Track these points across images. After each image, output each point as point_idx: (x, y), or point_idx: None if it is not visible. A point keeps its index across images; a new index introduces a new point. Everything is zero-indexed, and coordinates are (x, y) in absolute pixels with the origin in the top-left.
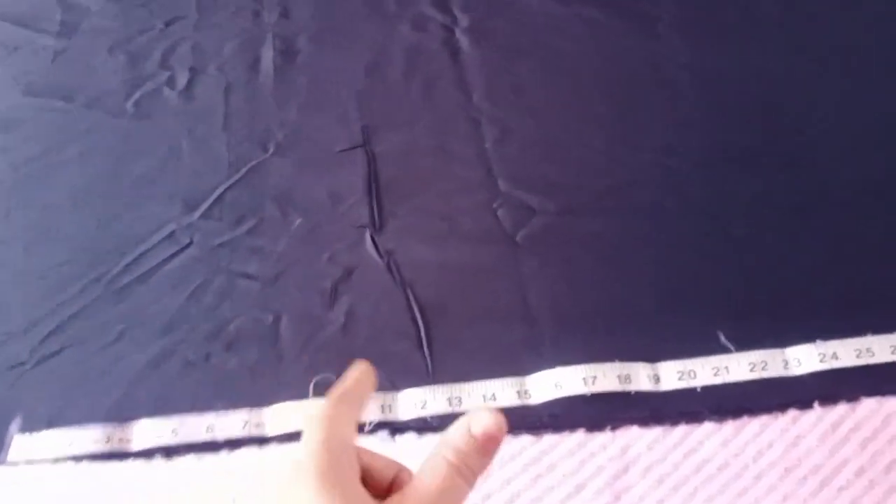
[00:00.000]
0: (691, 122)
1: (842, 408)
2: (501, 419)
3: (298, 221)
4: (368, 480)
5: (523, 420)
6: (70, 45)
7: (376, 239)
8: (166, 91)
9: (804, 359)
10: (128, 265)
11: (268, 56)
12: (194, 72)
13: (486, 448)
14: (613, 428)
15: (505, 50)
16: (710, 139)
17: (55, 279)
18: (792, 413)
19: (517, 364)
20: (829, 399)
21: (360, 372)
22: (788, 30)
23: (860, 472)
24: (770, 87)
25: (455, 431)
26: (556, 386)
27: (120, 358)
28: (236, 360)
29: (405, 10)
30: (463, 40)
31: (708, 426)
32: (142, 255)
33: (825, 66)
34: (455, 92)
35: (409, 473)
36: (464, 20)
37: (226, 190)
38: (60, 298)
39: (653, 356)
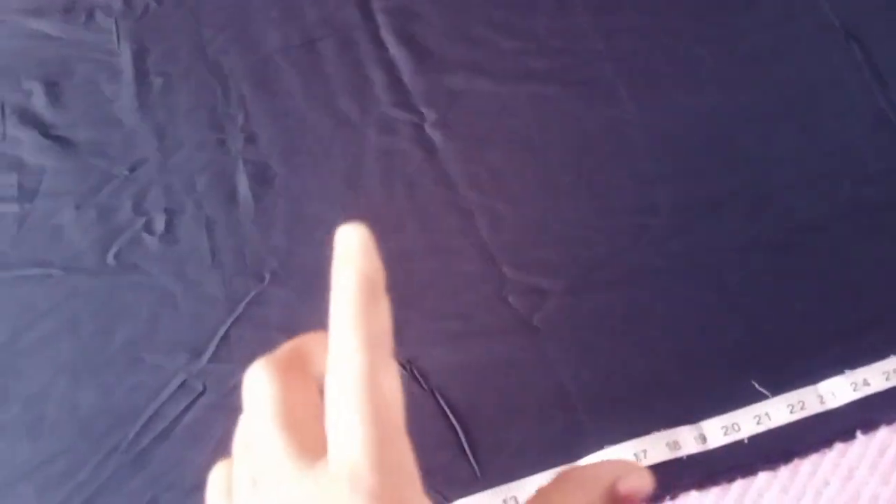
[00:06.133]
0: (658, 177)
1: (883, 432)
2: (650, 485)
3: None
4: None
5: None
6: (33, 208)
7: (394, 350)
8: (146, 237)
9: (837, 391)
10: (143, 427)
11: (243, 184)
12: (171, 213)
13: None
14: (672, 497)
15: (474, 139)
16: (680, 192)
17: (68, 461)
18: (839, 446)
19: (564, 451)
20: (869, 426)
21: (362, 261)
22: (728, 73)
23: None
24: (726, 131)
25: (594, 479)
26: None
27: None
28: None
29: (369, 115)
30: (434, 135)
31: (763, 477)
32: (156, 413)
33: (773, 101)
34: (439, 188)
35: None
36: (430, 115)
37: (229, 328)
38: (79, 478)
39: (694, 417)
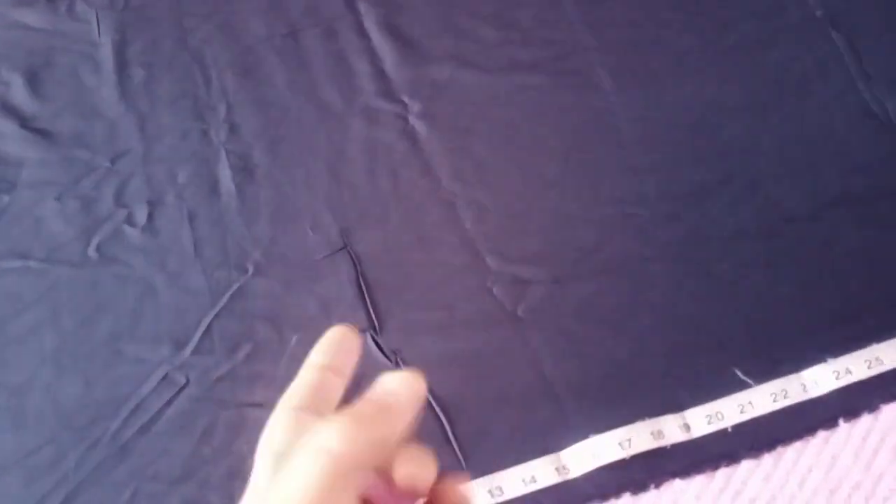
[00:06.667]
0: (645, 167)
1: (865, 419)
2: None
3: (295, 339)
4: None
5: (568, 496)
6: (13, 200)
7: (379, 341)
8: (127, 229)
9: (820, 379)
10: (126, 419)
11: (226, 175)
12: (152, 205)
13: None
14: (657, 485)
15: (459, 130)
16: (667, 181)
17: (53, 452)
18: (821, 434)
19: (548, 441)
20: (851, 413)
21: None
22: (714, 64)
23: None
24: (712, 121)
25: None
26: (593, 456)
27: None
28: None
29: (352, 106)
30: (418, 126)
31: (746, 464)
32: (139, 405)
33: (759, 92)
34: (422, 179)
35: None
36: (414, 106)
37: (212, 320)
38: (64, 469)
39: (678, 405)
